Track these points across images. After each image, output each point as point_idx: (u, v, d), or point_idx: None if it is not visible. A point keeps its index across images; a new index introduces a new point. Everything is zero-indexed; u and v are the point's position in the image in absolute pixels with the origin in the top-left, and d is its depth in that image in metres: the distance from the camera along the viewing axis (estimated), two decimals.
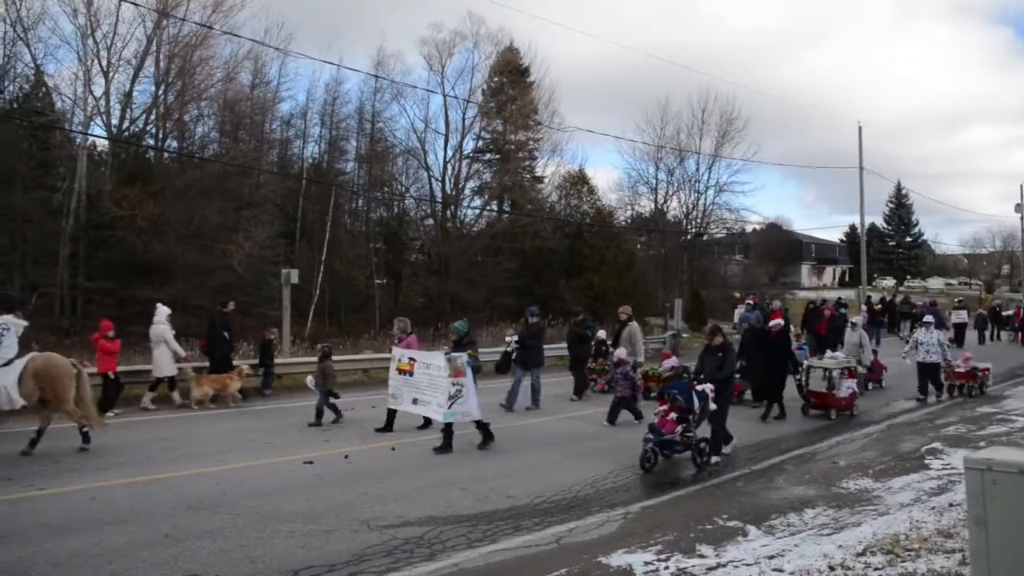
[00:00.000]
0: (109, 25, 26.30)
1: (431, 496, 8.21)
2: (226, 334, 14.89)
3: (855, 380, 14.26)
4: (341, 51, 76.56)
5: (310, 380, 12.59)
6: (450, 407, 10.18)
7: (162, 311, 14.06)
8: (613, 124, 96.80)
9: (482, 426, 10.68)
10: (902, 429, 12.91)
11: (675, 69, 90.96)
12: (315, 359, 15.33)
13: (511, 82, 35.91)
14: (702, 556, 6.43)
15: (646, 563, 6.26)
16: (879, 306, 32.00)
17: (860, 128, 36.47)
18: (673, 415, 9.76)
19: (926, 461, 10.27)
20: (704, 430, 10.14)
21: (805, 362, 14.57)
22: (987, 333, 31.38)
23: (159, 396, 13.85)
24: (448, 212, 36.28)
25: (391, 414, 11.51)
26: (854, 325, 17.04)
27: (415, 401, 10.83)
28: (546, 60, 60.68)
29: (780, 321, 14.00)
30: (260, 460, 9.81)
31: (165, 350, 13.69)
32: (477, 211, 37.75)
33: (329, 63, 34.93)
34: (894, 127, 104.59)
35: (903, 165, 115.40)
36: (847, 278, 72.47)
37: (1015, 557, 4.06)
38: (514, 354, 13.89)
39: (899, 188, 72.36)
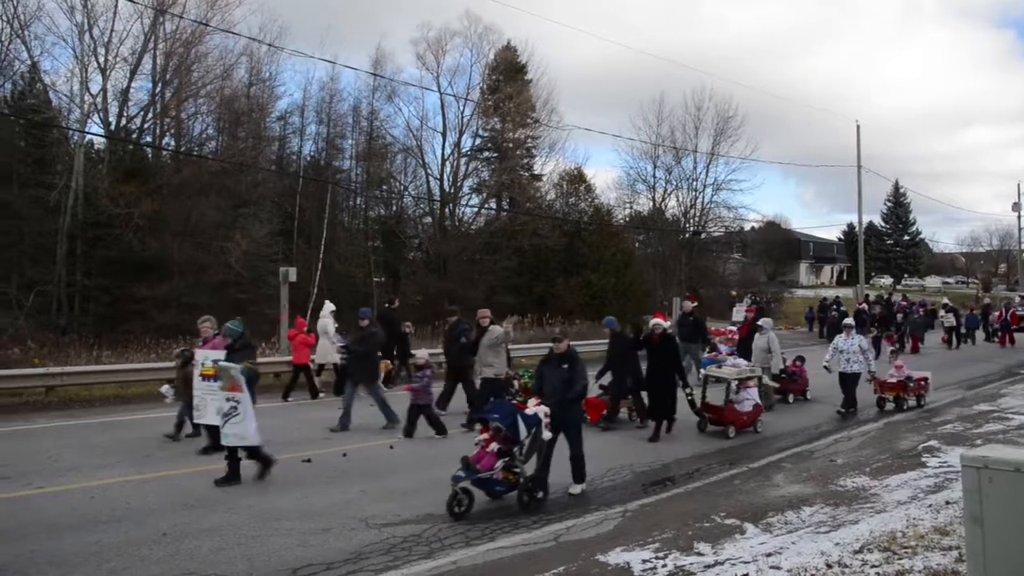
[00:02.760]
0: (106, 22, 26.30)
1: (429, 494, 8.20)
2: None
3: (756, 391, 12.48)
4: (336, 49, 76.44)
5: (166, 389, 11.08)
6: (223, 426, 8.50)
7: (328, 307, 15.99)
8: (614, 123, 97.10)
9: (258, 454, 8.69)
10: (899, 427, 12.93)
11: (677, 69, 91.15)
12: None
13: (508, 80, 35.89)
14: (700, 554, 6.44)
15: (644, 561, 6.27)
16: (861, 304, 31.72)
17: (858, 127, 36.68)
18: (494, 446, 7.76)
19: (923, 459, 10.29)
20: (561, 462, 8.39)
21: (702, 371, 12.97)
22: (977, 334, 30.23)
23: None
24: (446, 210, 36.27)
25: (210, 430, 9.50)
26: (762, 329, 14.64)
27: (219, 411, 8.71)
28: (545, 59, 60.75)
29: (661, 322, 12.09)
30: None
31: (326, 341, 15.34)
32: (475, 209, 37.78)
33: (327, 61, 34.81)
34: (893, 127, 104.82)
35: (901, 164, 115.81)
36: (845, 277, 72.55)
37: (1011, 554, 4.07)
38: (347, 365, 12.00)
39: (897, 187, 72.53)
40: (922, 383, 14.90)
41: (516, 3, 39.62)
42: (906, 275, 74.15)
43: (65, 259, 25.16)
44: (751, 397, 12.17)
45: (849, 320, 14.82)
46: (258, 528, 7.06)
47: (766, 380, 13.40)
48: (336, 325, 15.76)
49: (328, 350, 15.30)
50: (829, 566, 5.75)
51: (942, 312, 29.78)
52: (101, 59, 26.46)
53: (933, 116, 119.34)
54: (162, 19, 26.76)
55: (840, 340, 13.90)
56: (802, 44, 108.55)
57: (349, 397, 11.78)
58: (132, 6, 24.85)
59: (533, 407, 8.08)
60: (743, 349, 15.51)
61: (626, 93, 77.57)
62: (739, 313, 34.60)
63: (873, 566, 5.68)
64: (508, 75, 36.04)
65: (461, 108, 35.16)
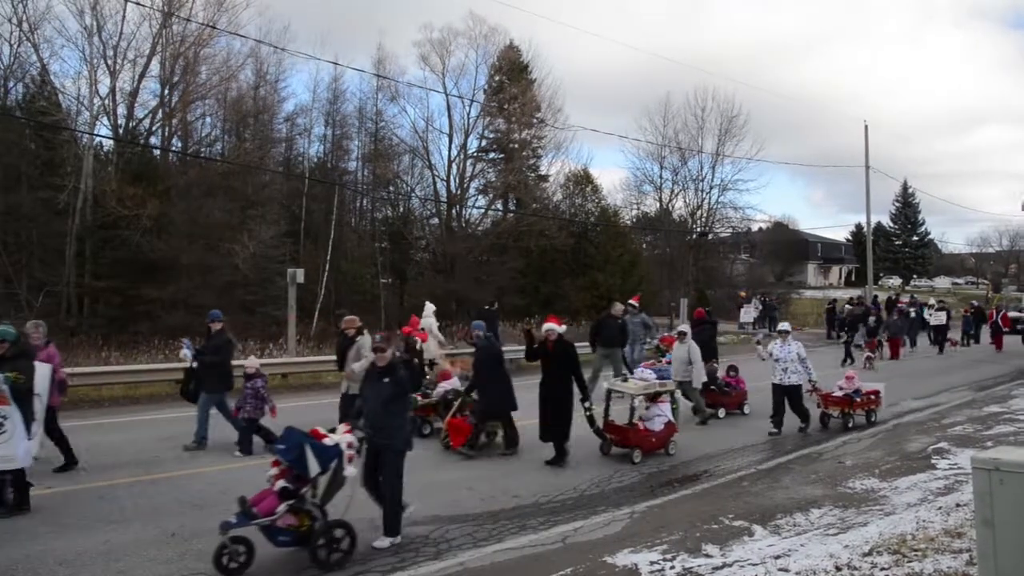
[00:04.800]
0: (115, 24, 26.43)
1: (437, 495, 8.21)
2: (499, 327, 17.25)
3: (667, 405, 10.77)
4: (337, 50, 76.49)
5: None
6: None
7: (429, 307, 16.71)
8: (620, 125, 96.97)
9: (18, 481, 7.44)
10: (908, 429, 12.87)
11: (684, 70, 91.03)
12: (321, 358, 15.36)
13: (512, 80, 35.87)
14: (708, 556, 6.43)
15: (652, 563, 6.26)
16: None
17: (866, 127, 36.43)
18: (282, 484, 6.27)
19: (933, 461, 10.24)
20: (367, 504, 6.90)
21: (605, 385, 11.34)
22: (970, 335, 28.66)
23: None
24: (453, 211, 36.29)
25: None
26: (683, 336, 13.02)
27: None
28: (549, 59, 61.03)
29: (554, 326, 10.14)
30: (266, 459, 9.80)
31: (433, 340, 16.10)
32: (482, 210, 37.76)
33: (333, 63, 34.89)
34: (902, 127, 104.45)
35: (910, 165, 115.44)
36: (853, 277, 72.34)
37: (1022, 557, 4.05)
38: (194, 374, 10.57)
39: (906, 187, 72.40)
40: (872, 397, 13.20)
41: (520, 3, 39.64)
42: (915, 276, 73.88)
43: (74, 260, 25.30)
44: (663, 414, 10.57)
45: (785, 325, 12.87)
46: None
47: (679, 395, 11.54)
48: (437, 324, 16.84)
49: (434, 348, 16.50)
50: (838, 568, 5.72)
51: (930, 311, 27.63)
52: (110, 61, 26.63)
53: (943, 116, 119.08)
54: (170, 21, 26.88)
55: (776, 347, 12.17)
56: (812, 44, 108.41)
57: (204, 410, 10.39)
58: (140, 9, 25.01)
59: (339, 435, 6.57)
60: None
61: (633, 94, 77.56)
62: (747, 314, 34.63)
63: (883, 569, 5.65)
64: (512, 75, 36.01)
65: (467, 109, 35.21)
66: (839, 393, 12.96)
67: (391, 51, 53.76)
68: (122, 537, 6.75)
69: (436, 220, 37.13)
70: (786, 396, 12.04)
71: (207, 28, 26.84)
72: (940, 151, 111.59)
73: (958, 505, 7.58)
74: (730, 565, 6.13)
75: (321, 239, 31.10)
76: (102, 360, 17.12)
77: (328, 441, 6.44)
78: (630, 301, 17.09)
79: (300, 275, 20.04)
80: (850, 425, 12.71)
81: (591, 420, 10.10)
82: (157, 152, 29.45)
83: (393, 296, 34.35)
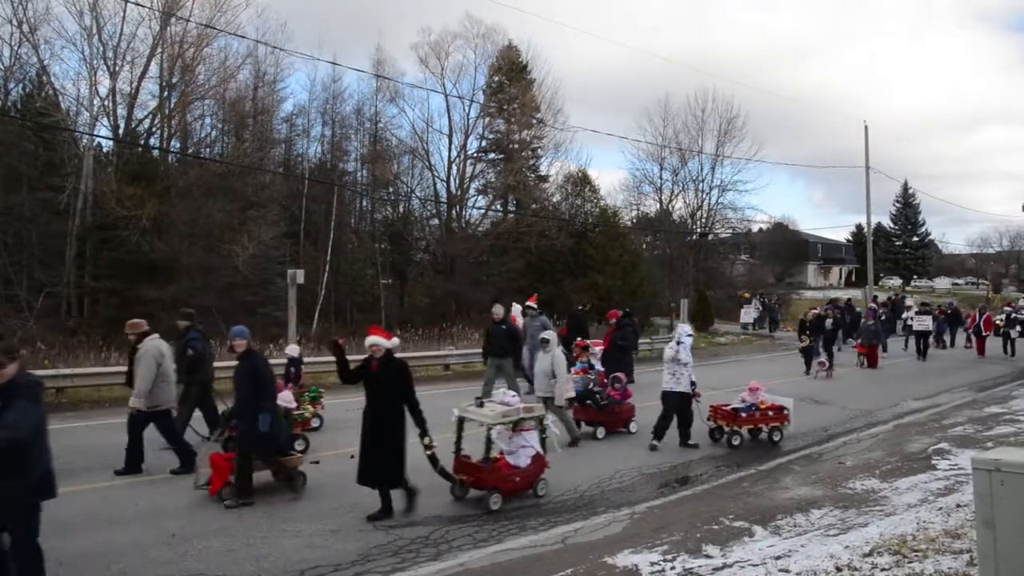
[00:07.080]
0: (114, 25, 26.49)
1: (437, 496, 8.20)
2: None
3: (535, 435, 8.51)
4: (335, 51, 76.43)
5: None
6: None
7: (516, 308, 17.10)
8: (620, 125, 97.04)
9: None
10: (909, 429, 12.85)
11: (684, 71, 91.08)
12: (321, 359, 15.35)
13: (512, 81, 35.90)
14: (708, 556, 6.42)
15: (652, 563, 6.26)
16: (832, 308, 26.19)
17: (866, 128, 36.42)
18: None
19: (933, 461, 10.23)
20: None
21: (456, 412, 8.57)
22: (946, 339, 27.27)
23: None
24: (453, 212, 36.29)
25: None
26: (545, 345, 11.05)
27: None
28: (548, 60, 61.06)
29: (380, 340, 7.71)
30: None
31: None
32: (482, 211, 37.77)
33: (333, 63, 34.93)
34: (903, 128, 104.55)
35: (911, 166, 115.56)
36: (853, 278, 72.33)
37: (1023, 557, 4.04)
38: None
39: (906, 188, 72.37)
40: (771, 413, 11.36)
41: (519, 4, 39.72)
42: (915, 276, 73.88)
43: (74, 261, 25.32)
44: (529, 445, 8.40)
45: (685, 330, 11.28)
46: (267, 529, 7.08)
47: (549, 422, 8.94)
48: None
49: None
50: (839, 569, 5.72)
51: (911, 314, 26.13)
52: (109, 62, 26.66)
53: (943, 117, 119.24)
54: (169, 22, 26.90)
55: (680, 350, 10.77)
56: (812, 45, 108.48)
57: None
58: (140, 9, 25.04)
59: None
60: (609, 364, 13.34)
61: (632, 95, 77.68)
62: (747, 314, 34.61)
63: (883, 569, 5.64)
64: (511, 76, 36.04)
65: (466, 110, 35.25)
66: (736, 405, 11.42)
67: (390, 52, 53.98)
68: (122, 537, 6.74)
69: (436, 221, 37.17)
70: (671, 404, 10.87)
71: (206, 29, 26.88)
72: (940, 152, 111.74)
73: (959, 506, 7.57)
74: (730, 566, 6.12)
75: (321, 240, 31.11)
76: (102, 361, 17.10)
77: None
78: (528, 303, 15.99)
79: (300, 276, 19.99)
80: (735, 443, 11.03)
81: (433, 460, 7.84)
82: (157, 153, 29.45)
83: (393, 296, 34.37)
